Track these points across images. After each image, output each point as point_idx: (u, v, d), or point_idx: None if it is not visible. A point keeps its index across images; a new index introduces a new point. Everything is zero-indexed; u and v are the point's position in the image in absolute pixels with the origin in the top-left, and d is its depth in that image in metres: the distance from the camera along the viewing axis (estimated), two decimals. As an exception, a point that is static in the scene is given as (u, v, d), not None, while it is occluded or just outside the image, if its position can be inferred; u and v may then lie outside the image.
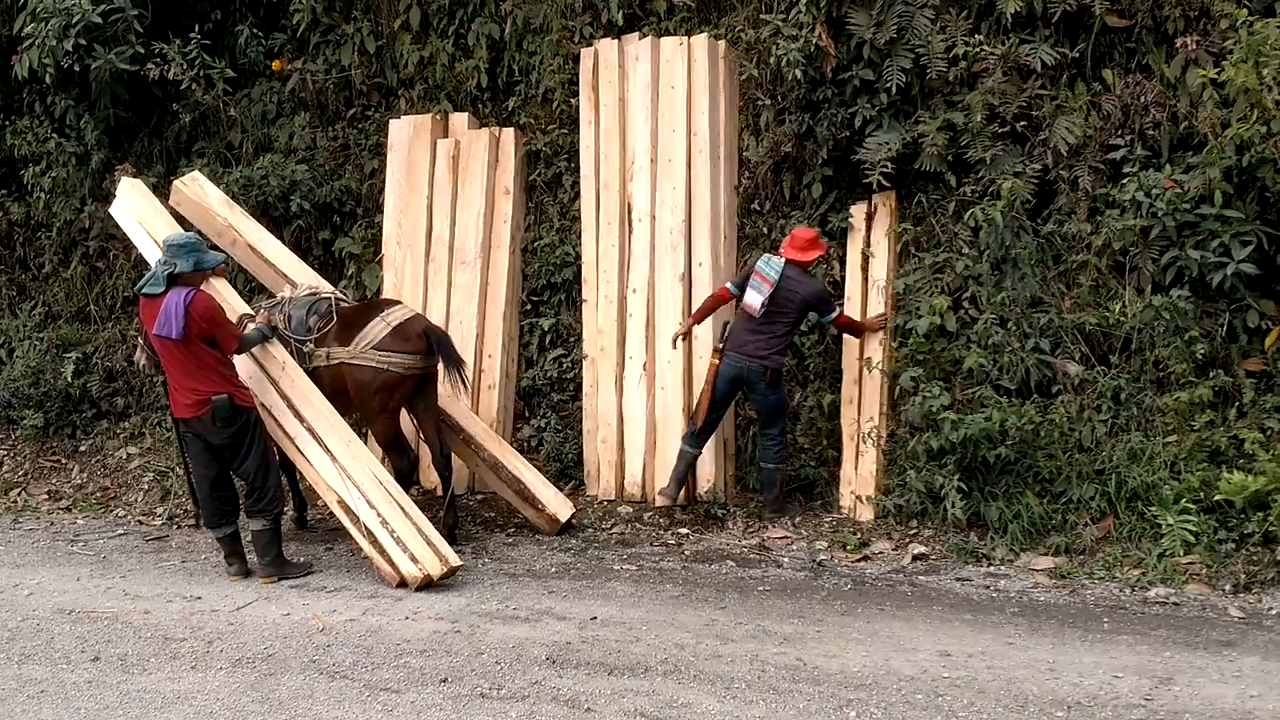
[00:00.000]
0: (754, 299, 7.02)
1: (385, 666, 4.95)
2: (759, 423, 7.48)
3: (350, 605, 5.89)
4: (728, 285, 7.30)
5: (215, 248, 7.52)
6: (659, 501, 7.40)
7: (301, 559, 6.79)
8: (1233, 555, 6.03)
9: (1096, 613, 5.57)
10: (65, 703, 4.66)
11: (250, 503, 6.48)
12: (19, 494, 9.27)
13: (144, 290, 6.33)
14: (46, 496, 9.17)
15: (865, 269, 7.54)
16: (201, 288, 6.43)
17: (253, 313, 7.07)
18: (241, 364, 6.81)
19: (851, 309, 7.51)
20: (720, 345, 7.19)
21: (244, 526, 6.60)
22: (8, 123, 10.11)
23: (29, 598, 6.26)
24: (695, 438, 7.32)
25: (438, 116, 8.82)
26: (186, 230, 7.14)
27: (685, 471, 7.37)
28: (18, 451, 9.88)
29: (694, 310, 7.53)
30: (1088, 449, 6.69)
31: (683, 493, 7.50)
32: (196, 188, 7.92)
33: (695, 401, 7.38)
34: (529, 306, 8.65)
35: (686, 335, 7.55)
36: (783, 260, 7.06)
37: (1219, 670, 4.74)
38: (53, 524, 8.39)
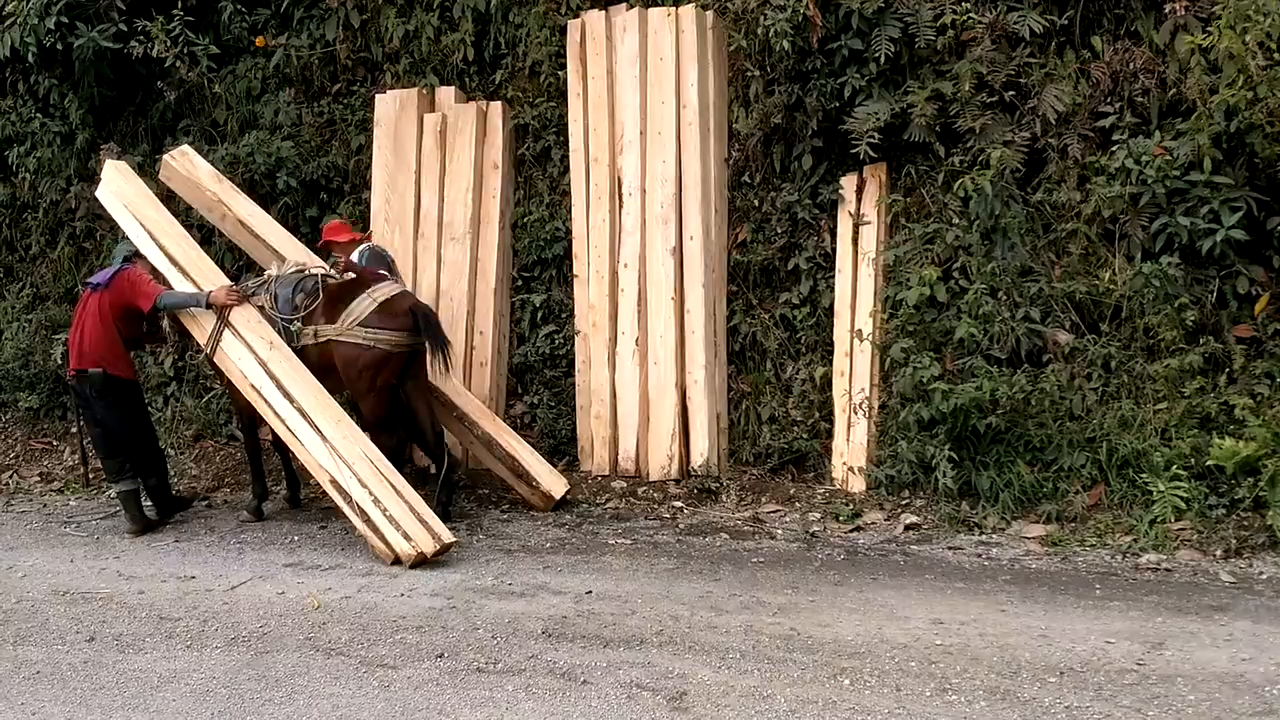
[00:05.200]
0: None
1: (381, 643, 4.96)
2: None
3: (345, 583, 5.90)
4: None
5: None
6: None
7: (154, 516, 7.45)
8: (1224, 521, 6.06)
9: (1088, 579, 5.61)
10: (62, 683, 4.66)
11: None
12: (11, 476, 9.26)
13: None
14: (39, 479, 9.15)
15: (855, 241, 7.52)
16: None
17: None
18: (230, 344, 6.83)
19: (843, 281, 7.51)
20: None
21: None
22: (-9, 103, 10.04)
23: (23, 579, 6.26)
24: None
25: (424, 91, 8.75)
26: (172, 205, 7.29)
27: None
28: (8, 434, 9.87)
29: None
30: (1078, 417, 6.71)
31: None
32: (186, 162, 7.86)
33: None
34: (520, 283, 8.61)
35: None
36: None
37: (1210, 635, 4.77)
38: (45, 506, 8.38)
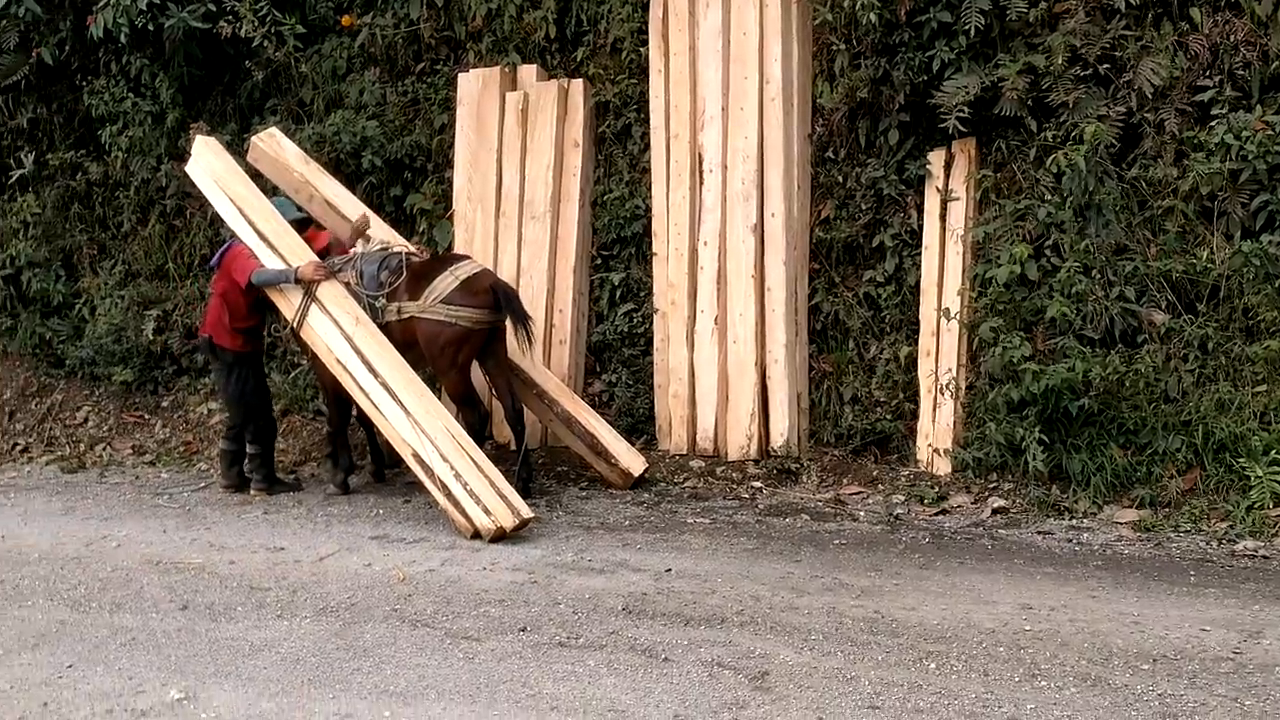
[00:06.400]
0: None
1: (465, 615, 5.00)
2: None
3: (429, 556, 5.96)
4: None
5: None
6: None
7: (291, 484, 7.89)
8: (1324, 507, 5.88)
9: (1183, 566, 5.47)
10: (156, 650, 4.77)
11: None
12: (104, 449, 9.50)
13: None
14: (131, 451, 9.38)
15: (943, 217, 7.39)
16: None
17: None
18: (316, 319, 6.93)
19: (930, 258, 7.40)
20: None
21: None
22: (85, 83, 10.25)
23: (117, 549, 6.42)
24: None
25: (506, 69, 8.75)
26: (260, 184, 7.60)
27: None
28: (102, 408, 10.11)
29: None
30: (1174, 399, 6.54)
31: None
32: (274, 144, 7.97)
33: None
34: (599, 261, 8.61)
35: None
36: None
37: (1311, 624, 4.63)
38: (138, 478, 8.60)
